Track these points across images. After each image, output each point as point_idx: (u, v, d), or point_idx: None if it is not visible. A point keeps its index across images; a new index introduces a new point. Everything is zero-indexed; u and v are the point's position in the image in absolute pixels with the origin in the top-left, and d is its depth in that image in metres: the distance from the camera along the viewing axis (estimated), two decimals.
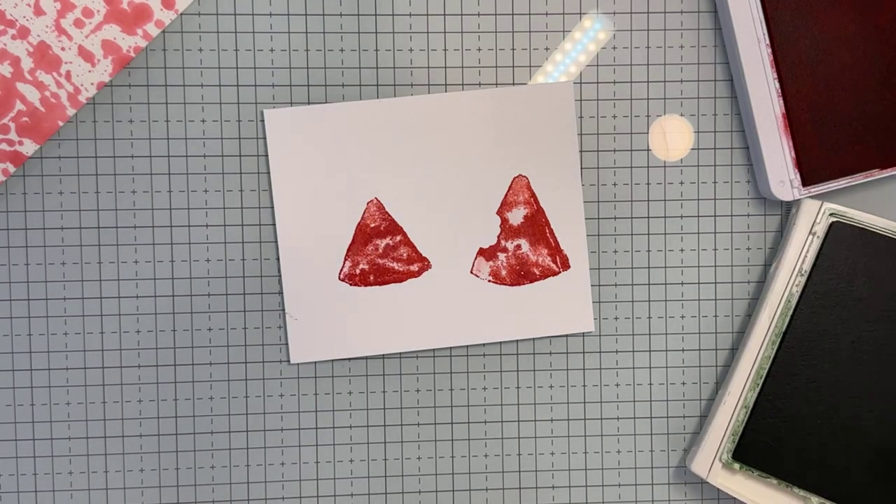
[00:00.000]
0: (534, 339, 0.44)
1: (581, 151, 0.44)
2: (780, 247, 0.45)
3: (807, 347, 0.43)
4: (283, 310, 0.44)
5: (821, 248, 0.43)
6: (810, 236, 0.43)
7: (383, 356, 0.44)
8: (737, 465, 0.43)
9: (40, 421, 0.43)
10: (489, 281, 0.44)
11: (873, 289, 0.43)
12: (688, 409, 0.45)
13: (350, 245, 0.43)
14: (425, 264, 0.44)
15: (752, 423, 0.43)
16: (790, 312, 0.43)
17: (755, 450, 0.43)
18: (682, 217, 0.45)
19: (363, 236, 0.43)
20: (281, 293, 0.43)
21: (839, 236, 0.43)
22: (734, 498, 0.45)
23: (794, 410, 0.43)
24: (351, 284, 0.43)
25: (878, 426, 0.42)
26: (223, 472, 0.44)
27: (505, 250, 0.44)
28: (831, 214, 0.43)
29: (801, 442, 0.43)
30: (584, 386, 0.45)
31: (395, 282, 0.43)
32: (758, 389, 0.43)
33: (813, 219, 0.43)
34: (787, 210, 0.45)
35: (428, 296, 0.44)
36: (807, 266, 0.43)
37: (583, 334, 0.44)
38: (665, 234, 0.45)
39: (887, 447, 0.42)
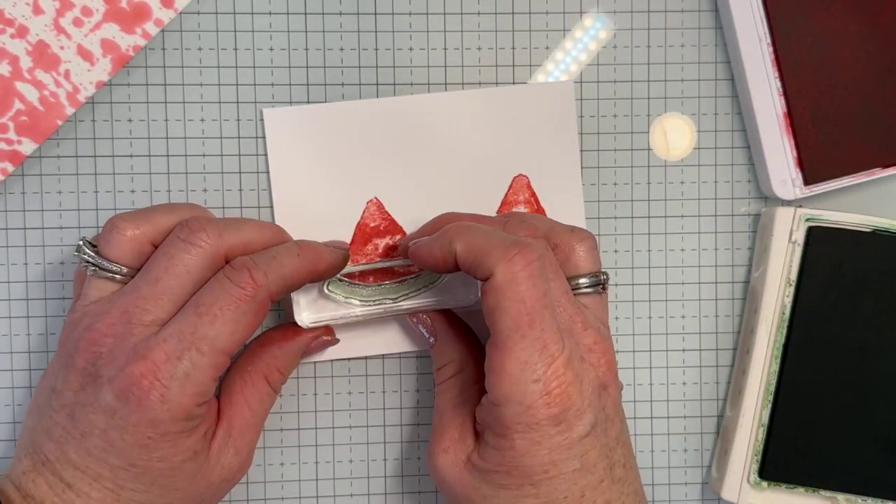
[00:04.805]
0: None
1: (581, 151, 0.44)
2: (757, 258, 0.44)
3: (810, 354, 0.43)
4: (282, 310, 0.44)
5: (804, 256, 0.43)
6: (791, 245, 0.43)
7: (383, 356, 0.44)
8: (765, 483, 0.43)
9: None
10: None
11: (863, 284, 0.43)
12: (688, 409, 0.45)
13: (349, 245, 0.43)
14: None
15: (772, 440, 0.43)
16: (787, 324, 0.43)
17: (780, 464, 0.43)
18: (682, 217, 0.45)
19: (363, 236, 0.43)
20: None
21: (819, 241, 0.43)
22: None
23: (810, 417, 0.43)
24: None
25: (890, 411, 0.43)
26: None
27: None
28: (807, 220, 0.43)
29: (821, 445, 0.43)
30: None
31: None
32: (770, 406, 0.43)
33: (790, 227, 0.43)
34: (756, 217, 0.45)
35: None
36: (793, 275, 0.43)
37: None
38: (666, 233, 0.45)
39: None
